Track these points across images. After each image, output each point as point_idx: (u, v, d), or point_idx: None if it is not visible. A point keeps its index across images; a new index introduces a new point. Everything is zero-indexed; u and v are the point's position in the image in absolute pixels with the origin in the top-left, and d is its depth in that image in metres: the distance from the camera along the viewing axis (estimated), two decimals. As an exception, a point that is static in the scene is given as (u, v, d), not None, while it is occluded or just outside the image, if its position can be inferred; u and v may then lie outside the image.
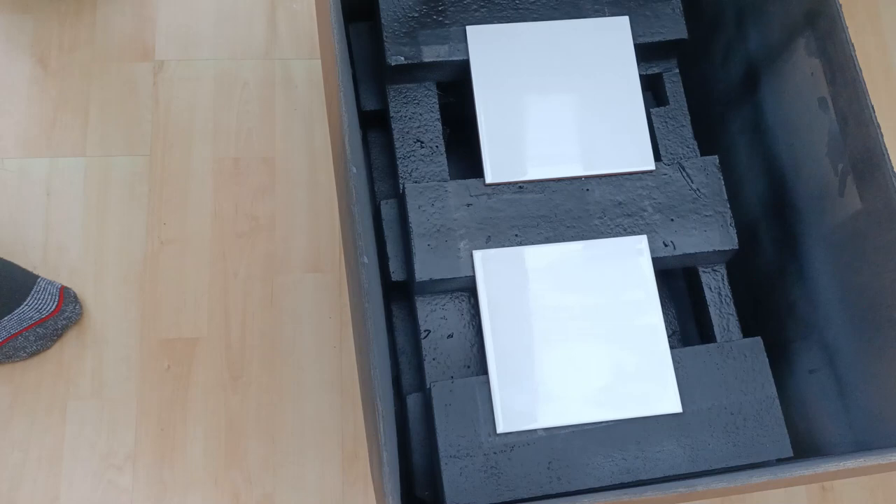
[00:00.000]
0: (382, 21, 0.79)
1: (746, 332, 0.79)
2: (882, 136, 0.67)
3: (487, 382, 0.70)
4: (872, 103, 0.68)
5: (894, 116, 1.17)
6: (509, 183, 0.76)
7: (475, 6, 0.80)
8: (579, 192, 0.76)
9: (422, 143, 0.79)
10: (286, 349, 1.01)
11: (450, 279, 0.73)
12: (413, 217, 0.74)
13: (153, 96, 1.09)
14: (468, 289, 0.75)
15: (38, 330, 0.95)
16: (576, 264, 0.74)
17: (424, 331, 0.74)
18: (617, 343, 0.72)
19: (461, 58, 0.79)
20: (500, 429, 0.68)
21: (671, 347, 0.73)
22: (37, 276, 0.97)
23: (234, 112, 1.10)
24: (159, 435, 0.97)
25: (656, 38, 0.82)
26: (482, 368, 0.72)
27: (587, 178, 0.77)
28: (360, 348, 0.69)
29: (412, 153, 0.79)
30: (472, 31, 0.79)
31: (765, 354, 0.74)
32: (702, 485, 0.58)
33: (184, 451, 0.97)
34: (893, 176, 0.66)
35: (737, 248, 0.77)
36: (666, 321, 0.74)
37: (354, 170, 0.62)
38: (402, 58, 0.78)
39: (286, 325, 1.02)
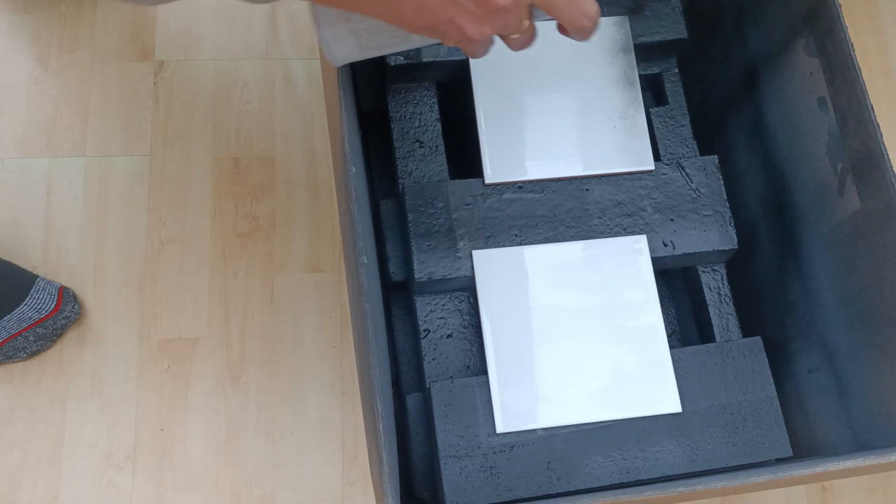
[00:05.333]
0: (382, 21, 0.79)
1: (746, 332, 0.79)
2: (882, 135, 0.67)
3: (487, 382, 0.70)
4: (872, 103, 0.68)
5: (894, 116, 1.17)
6: (509, 183, 0.76)
7: (475, 6, 0.80)
8: (579, 191, 0.76)
9: (421, 143, 0.79)
10: (286, 349, 1.01)
11: (449, 279, 0.73)
12: (413, 217, 0.74)
13: (153, 96, 1.09)
14: (468, 289, 0.75)
15: (37, 330, 0.95)
16: (575, 264, 0.74)
17: (424, 331, 0.74)
18: (617, 343, 0.72)
19: (460, 57, 0.79)
20: (500, 429, 0.68)
21: (671, 347, 0.73)
22: (36, 276, 0.97)
23: (234, 112, 1.10)
24: (159, 435, 0.97)
25: (656, 38, 0.82)
26: (482, 368, 0.72)
27: (587, 177, 0.77)
28: (360, 349, 0.69)
29: (412, 153, 0.79)
30: (471, 31, 0.79)
31: (764, 354, 0.73)
32: (701, 484, 0.58)
33: (184, 451, 0.97)
34: (893, 176, 0.66)
35: (736, 247, 0.77)
36: (666, 321, 0.74)
37: (354, 170, 0.62)
38: (402, 58, 0.78)
39: (286, 325, 1.02)
